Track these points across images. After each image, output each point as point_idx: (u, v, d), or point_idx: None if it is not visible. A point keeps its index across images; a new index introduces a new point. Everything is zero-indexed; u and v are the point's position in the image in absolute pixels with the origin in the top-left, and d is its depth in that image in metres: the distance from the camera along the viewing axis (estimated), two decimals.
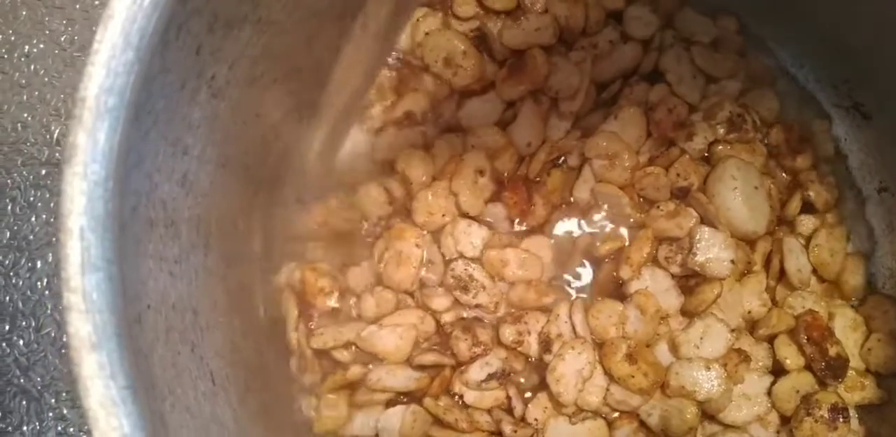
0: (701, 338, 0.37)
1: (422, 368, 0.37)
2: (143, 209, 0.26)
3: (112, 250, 0.22)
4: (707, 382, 0.36)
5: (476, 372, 0.37)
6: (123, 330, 0.21)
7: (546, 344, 0.37)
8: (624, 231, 0.40)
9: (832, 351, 0.37)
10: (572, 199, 0.40)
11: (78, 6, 0.48)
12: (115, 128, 0.22)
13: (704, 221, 0.39)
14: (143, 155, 0.26)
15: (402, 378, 0.37)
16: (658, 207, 0.39)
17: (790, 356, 0.37)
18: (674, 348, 0.38)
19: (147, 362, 0.25)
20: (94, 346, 0.20)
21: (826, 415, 0.36)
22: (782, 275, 0.39)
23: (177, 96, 0.28)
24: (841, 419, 0.36)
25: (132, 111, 0.23)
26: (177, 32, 0.26)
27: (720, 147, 0.40)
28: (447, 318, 0.38)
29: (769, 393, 0.37)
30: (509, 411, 0.38)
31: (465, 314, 0.39)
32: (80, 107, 0.22)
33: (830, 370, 0.37)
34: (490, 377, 0.37)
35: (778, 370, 0.38)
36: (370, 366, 0.37)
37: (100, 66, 0.22)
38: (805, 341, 0.37)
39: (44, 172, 0.45)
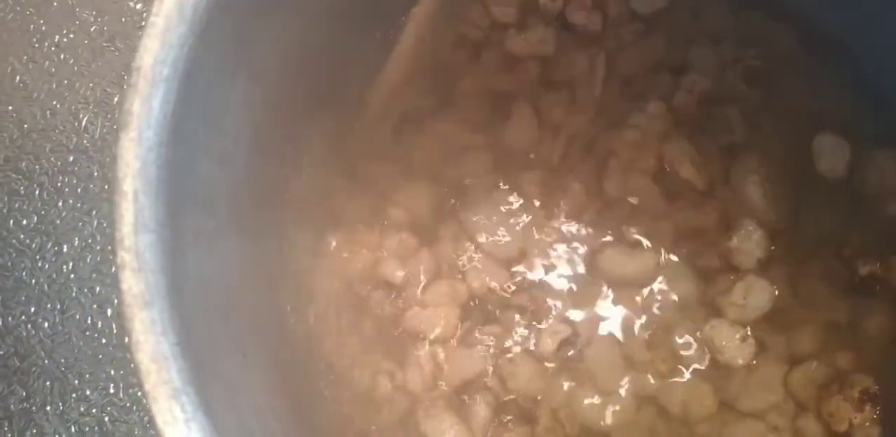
0: (745, 297, 0.38)
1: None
2: (184, 182, 0.27)
3: (164, 213, 0.22)
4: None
5: (547, 344, 0.37)
6: (172, 291, 0.22)
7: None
8: (650, 221, 0.40)
9: None
10: (601, 190, 0.41)
11: None
12: (167, 97, 0.23)
13: (728, 212, 0.40)
14: (186, 129, 0.27)
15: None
16: (683, 197, 0.40)
17: (805, 344, 0.38)
18: (715, 310, 0.38)
19: (189, 330, 0.25)
20: (147, 303, 0.21)
21: (856, 396, 0.36)
22: None
23: (218, 76, 0.29)
24: (869, 405, 0.36)
25: (182, 83, 0.24)
26: (221, 11, 0.27)
27: (745, 138, 0.40)
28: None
29: (785, 381, 0.38)
30: None
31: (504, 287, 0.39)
32: (135, 76, 0.23)
33: None
34: (563, 342, 0.37)
35: (793, 358, 0.39)
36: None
37: (155, 38, 0.23)
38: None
39: (71, 158, 0.46)
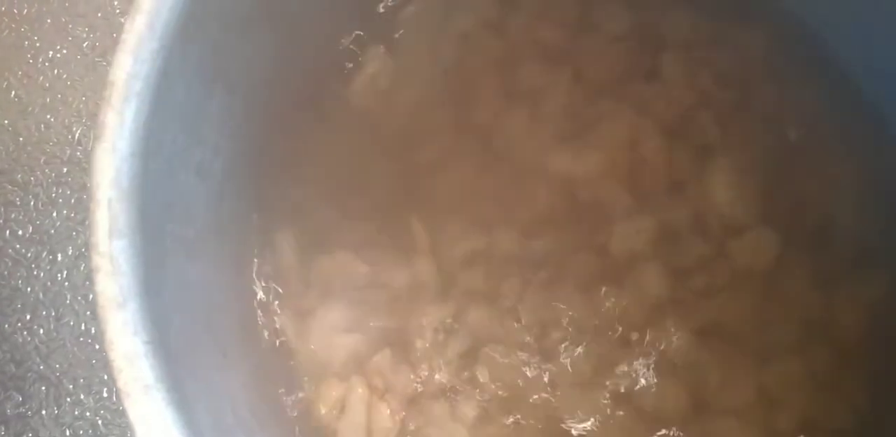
0: None
1: None
2: (160, 191, 0.28)
3: (137, 220, 0.23)
4: None
5: None
6: (145, 294, 0.23)
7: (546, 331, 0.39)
8: (620, 223, 0.41)
9: None
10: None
11: (100, 14, 0.51)
12: (140, 110, 0.24)
13: (698, 213, 0.41)
14: (162, 140, 0.28)
15: None
16: (653, 198, 0.41)
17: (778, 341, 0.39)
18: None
19: (164, 330, 0.27)
20: (120, 305, 0.22)
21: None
22: None
23: (194, 88, 0.30)
24: None
25: (155, 96, 0.25)
26: (196, 26, 0.28)
27: (715, 139, 0.41)
28: None
29: (756, 377, 0.39)
30: None
31: None
32: (109, 89, 0.24)
33: None
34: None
35: (765, 356, 0.40)
36: None
37: (127, 54, 0.24)
38: None
39: (65, 170, 0.48)
